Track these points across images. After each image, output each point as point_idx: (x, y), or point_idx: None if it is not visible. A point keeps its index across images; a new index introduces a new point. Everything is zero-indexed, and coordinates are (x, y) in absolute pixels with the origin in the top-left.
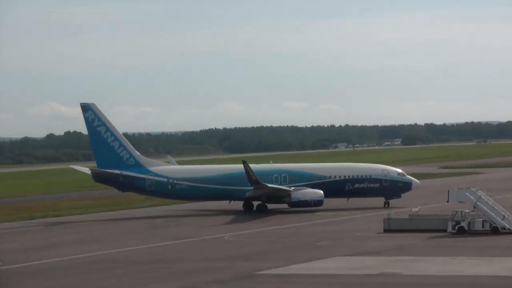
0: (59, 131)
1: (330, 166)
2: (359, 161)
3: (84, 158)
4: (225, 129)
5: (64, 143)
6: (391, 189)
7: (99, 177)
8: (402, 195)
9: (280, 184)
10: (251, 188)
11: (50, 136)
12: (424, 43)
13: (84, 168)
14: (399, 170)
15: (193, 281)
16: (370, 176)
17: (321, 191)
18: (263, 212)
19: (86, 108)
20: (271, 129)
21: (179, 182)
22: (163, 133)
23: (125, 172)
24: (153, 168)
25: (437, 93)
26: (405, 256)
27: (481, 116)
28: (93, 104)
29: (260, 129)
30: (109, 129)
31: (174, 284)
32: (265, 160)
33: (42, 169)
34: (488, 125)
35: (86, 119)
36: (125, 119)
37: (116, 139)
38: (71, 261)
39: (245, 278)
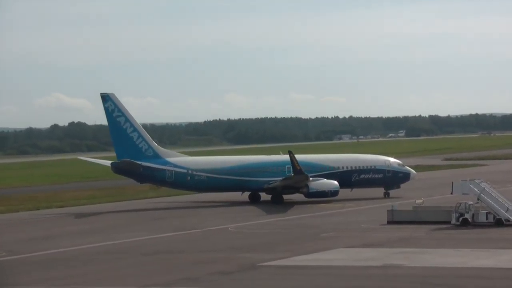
0: (64, 122)
1: (339, 157)
2: (364, 153)
3: (88, 149)
4: (229, 120)
5: (68, 134)
6: (393, 179)
7: (119, 169)
8: (401, 185)
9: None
10: (272, 179)
11: (55, 127)
12: (429, 35)
13: (92, 159)
14: (399, 161)
15: (197, 272)
16: (374, 167)
17: (336, 182)
18: (279, 203)
19: (106, 98)
20: (275, 120)
21: (198, 173)
22: (167, 124)
23: (145, 163)
24: (171, 159)
25: (441, 85)
26: (408, 248)
27: (485, 108)
28: (113, 94)
29: (264, 120)
30: (128, 119)
31: (178, 275)
32: (270, 151)
33: (47, 160)
34: (492, 117)
35: (106, 109)
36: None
37: (135, 129)
38: (75, 252)
39: (248, 270)
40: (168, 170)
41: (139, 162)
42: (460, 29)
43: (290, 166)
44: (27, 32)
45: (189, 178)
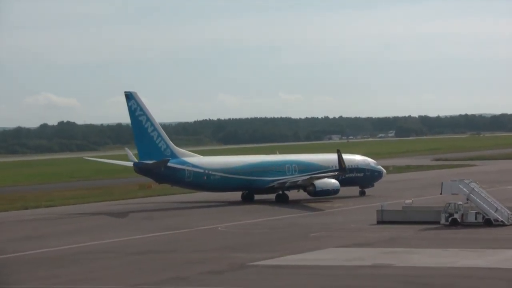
0: (53, 121)
1: (328, 157)
2: (355, 153)
3: (78, 149)
4: (219, 120)
5: (57, 133)
6: (370, 178)
7: (142, 169)
8: (375, 184)
9: (292, 174)
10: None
11: (44, 126)
12: (419, 36)
13: (98, 159)
14: (374, 160)
15: (187, 271)
16: (357, 166)
17: (336, 181)
18: (284, 202)
19: (130, 97)
20: (265, 120)
21: (214, 173)
22: None
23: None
24: (189, 159)
25: (431, 85)
26: (398, 247)
27: (474, 109)
28: (135, 93)
29: (254, 120)
30: (149, 118)
31: (167, 275)
32: (261, 151)
33: (36, 159)
34: (481, 117)
35: (129, 108)
36: (120, 109)
37: (155, 129)
38: (63, 251)
39: (238, 269)
40: (187, 170)
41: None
42: (449, 29)
43: (289, 165)
44: (14, 30)
45: (205, 177)
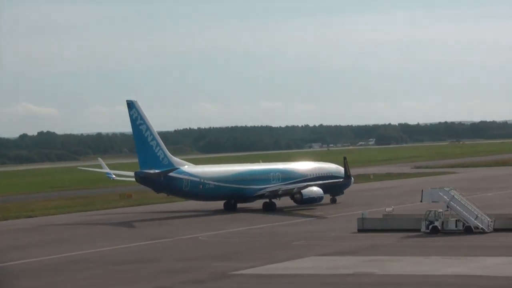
0: (32, 131)
1: (307, 165)
2: (335, 162)
3: (58, 158)
4: (199, 129)
5: (37, 143)
6: (342, 186)
7: (144, 179)
8: (344, 191)
9: (276, 182)
10: (265, 186)
11: (23, 136)
12: (398, 43)
13: (92, 169)
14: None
15: (169, 281)
16: (332, 174)
17: (320, 189)
18: (271, 210)
19: (131, 106)
20: (245, 129)
21: (208, 182)
22: None
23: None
24: (185, 169)
25: (411, 93)
26: (379, 255)
27: (454, 116)
28: (136, 102)
29: (234, 129)
30: (148, 128)
31: (150, 284)
32: (242, 160)
33: (15, 170)
34: (461, 125)
35: (130, 117)
36: (99, 118)
37: (154, 138)
38: (44, 262)
39: (220, 278)
40: (185, 179)
41: (157, 171)
42: (429, 37)
43: (273, 173)
44: None
45: (201, 186)
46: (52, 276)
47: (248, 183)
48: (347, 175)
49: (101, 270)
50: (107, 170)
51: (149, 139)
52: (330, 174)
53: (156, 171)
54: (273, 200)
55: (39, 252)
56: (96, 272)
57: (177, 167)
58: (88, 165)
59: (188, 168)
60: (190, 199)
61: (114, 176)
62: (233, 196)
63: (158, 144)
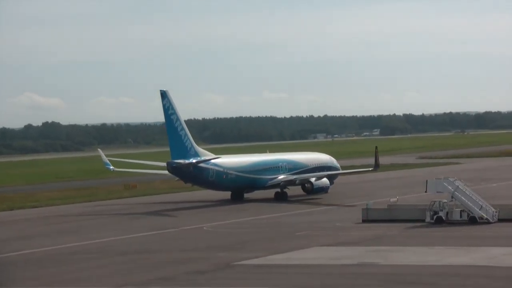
0: (37, 122)
1: (307, 156)
2: (340, 152)
3: (63, 149)
4: (204, 119)
5: (42, 134)
6: (334, 176)
7: (176, 169)
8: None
9: (284, 172)
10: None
11: (28, 127)
12: (403, 34)
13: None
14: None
15: (173, 271)
16: (327, 164)
17: (327, 180)
18: (283, 199)
19: (164, 95)
20: (250, 119)
21: (231, 172)
22: (142, 124)
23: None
24: (210, 159)
25: (415, 84)
26: (383, 246)
27: (459, 107)
28: (168, 91)
29: (239, 119)
30: (178, 118)
31: (153, 275)
32: (247, 150)
33: (20, 160)
34: (466, 115)
35: (163, 106)
36: (104, 109)
37: (183, 128)
38: (48, 252)
39: (224, 269)
40: (211, 169)
41: (188, 161)
42: (433, 27)
43: (282, 164)
44: None
45: (224, 176)
46: (57, 266)
47: (261, 173)
48: (376, 164)
49: (105, 260)
50: (104, 160)
51: (179, 129)
52: (326, 165)
53: (192, 161)
54: (284, 190)
55: (44, 242)
56: (101, 262)
57: (209, 157)
58: (92, 156)
59: (213, 158)
60: (214, 190)
61: (113, 167)
62: (249, 186)
63: (186, 134)
